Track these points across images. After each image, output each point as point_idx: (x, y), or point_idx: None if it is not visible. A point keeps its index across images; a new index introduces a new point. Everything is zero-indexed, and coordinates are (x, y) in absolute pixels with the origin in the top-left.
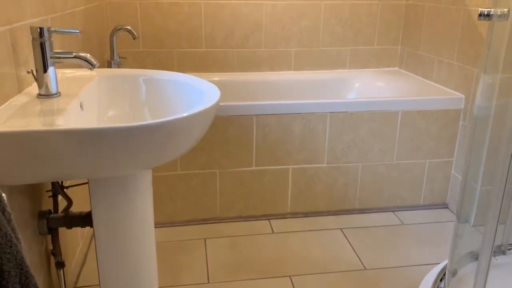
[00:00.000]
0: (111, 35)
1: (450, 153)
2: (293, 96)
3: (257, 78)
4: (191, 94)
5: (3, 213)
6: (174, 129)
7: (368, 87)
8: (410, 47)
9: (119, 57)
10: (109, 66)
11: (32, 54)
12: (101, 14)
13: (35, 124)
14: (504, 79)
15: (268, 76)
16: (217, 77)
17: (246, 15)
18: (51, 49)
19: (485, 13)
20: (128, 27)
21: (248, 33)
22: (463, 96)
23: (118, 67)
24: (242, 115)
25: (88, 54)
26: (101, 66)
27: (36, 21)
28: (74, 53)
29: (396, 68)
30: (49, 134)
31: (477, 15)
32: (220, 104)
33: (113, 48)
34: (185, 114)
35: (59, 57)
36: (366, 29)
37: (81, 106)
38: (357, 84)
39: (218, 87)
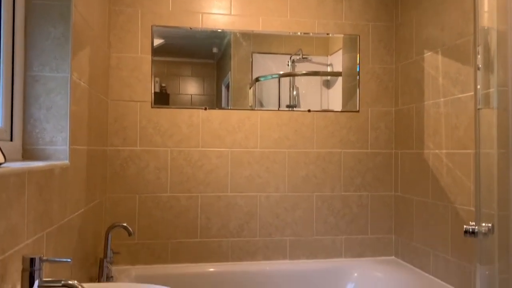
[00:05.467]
0: (107, 233)
1: None
2: None
3: (252, 269)
4: None
5: None
6: None
7: (367, 277)
8: (404, 238)
9: (113, 253)
10: (101, 265)
11: (20, 280)
12: (100, 209)
13: None
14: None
15: (263, 266)
16: (212, 267)
17: (241, 206)
18: (41, 278)
19: (470, 230)
20: (124, 224)
21: (242, 223)
22: None
23: (111, 264)
24: None
25: (76, 281)
26: (93, 265)
27: (30, 242)
28: (63, 281)
29: (393, 257)
30: None
31: (464, 215)
32: None
33: (107, 245)
34: None
35: (47, 287)
36: (358, 219)
37: None
38: (356, 274)
39: (213, 280)
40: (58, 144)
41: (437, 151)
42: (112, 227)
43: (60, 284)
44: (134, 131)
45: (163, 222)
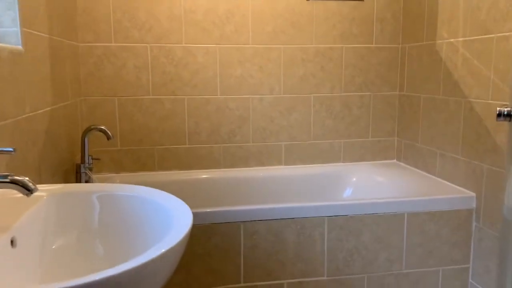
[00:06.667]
0: (83, 136)
1: (466, 259)
2: (286, 195)
3: (245, 175)
4: (156, 217)
5: None
6: (124, 280)
7: (366, 181)
8: (407, 139)
9: (92, 159)
10: (78, 170)
11: None
12: (75, 113)
13: None
14: None
15: (257, 172)
16: (204, 174)
17: (232, 109)
18: None
19: (505, 112)
20: (102, 127)
21: (234, 128)
22: (473, 194)
23: (90, 170)
24: (228, 222)
25: (26, 178)
26: (70, 170)
27: None
28: (10, 177)
29: (394, 161)
30: None
31: (479, 109)
32: (203, 210)
33: (84, 150)
34: (133, 265)
35: None
36: (359, 121)
37: (12, 243)
38: (354, 179)
39: (204, 186)
40: (5, 26)
41: (452, 40)
42: (88, 129)
43: (7, 180)
44: (108, 24)
45: (147, 127)
